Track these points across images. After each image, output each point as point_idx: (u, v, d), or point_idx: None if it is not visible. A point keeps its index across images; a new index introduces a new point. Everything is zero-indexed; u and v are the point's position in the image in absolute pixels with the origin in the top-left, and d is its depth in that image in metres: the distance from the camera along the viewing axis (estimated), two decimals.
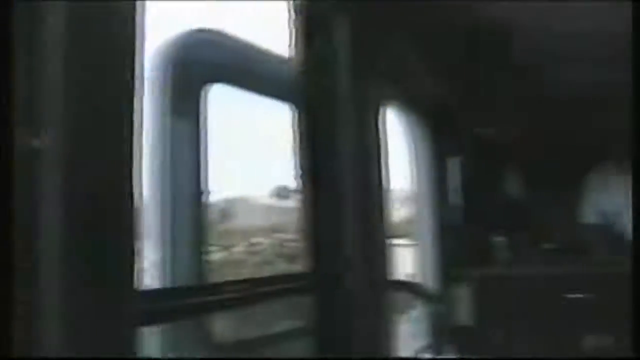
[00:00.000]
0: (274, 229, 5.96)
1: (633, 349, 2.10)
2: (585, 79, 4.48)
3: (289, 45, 2.11)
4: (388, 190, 2.37)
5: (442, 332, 2.96)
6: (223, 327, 2.24)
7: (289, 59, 2.15)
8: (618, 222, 3.51)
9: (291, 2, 2.06)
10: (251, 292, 1.91)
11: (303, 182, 2.05)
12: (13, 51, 1.62)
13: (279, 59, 2.32)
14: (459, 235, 3.52)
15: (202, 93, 2.14)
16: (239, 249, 5.83)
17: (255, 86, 2.37)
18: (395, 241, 3.26)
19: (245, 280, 2.29)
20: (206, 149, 2.10)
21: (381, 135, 2.40)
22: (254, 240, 6.04)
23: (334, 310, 2.02)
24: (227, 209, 5.74)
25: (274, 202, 6.00)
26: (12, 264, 1.62)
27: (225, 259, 5.37)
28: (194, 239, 2.15)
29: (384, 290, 2.26)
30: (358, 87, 2.24)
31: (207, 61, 2.21)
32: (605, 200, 3.53)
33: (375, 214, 2.30)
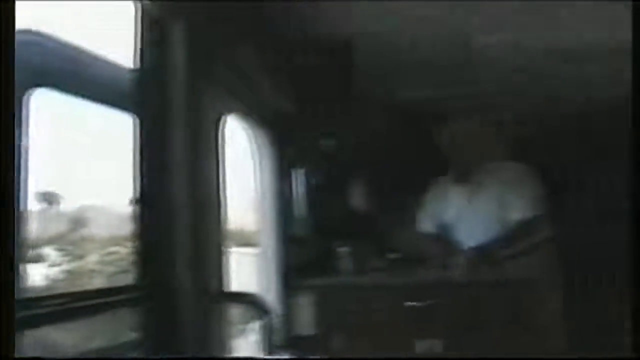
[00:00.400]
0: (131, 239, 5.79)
1: (633, 349, 2.13)
2: (430, 89, 4.71)
3: (128, 51, 2.06)
4: (226, 200, 2.36)
5: (282, 342, 2.98)
6: (48, 340, 2.14)
7: (127, 65, 2.10)
8: (456, 232, 3.68)
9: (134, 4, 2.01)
10: (81, 304, 1.84)
11: (138, 192, 2.00)
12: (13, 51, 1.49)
13: (115, 65, 2.25)
14: (303, 245, 3.58)
15: (25, 97, 2.02)
16: (93, 258, 5.63)
17: (87, 92, 2.28)
18: (240, 251, 3.27)
19: (73, 293, 2.19)
20: (27, 153, 1.98)
21: (220, 145, 2.40)
22: (110, 249, 5.84)
23: (165, 322, 1.98)
24: (83, 218, 5.50)
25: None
26: (12, 265, 1.46)
27: (79, 268, 5.18)
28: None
29: (219, 301, 2.24)
30: (196, 96, 2.23)
31: (29, 64, 2.10)
32: (445, 210, 3.70)
33: (212, 224, 2.29)
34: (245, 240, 3.41)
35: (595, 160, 7.70)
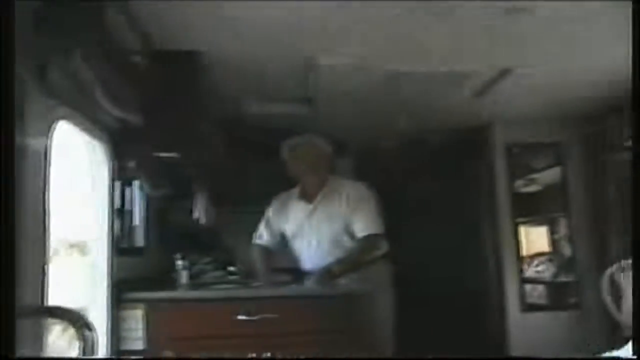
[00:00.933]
0: None
1: (633, 349, 2.19)
2: (275, 106, 4.83)
3: None
4: (49, 210, 2.30)
5: (107, 357, 2.94)
6: None
7: None
8: (296, 246, 3.79)
9: None
10: None
11: None
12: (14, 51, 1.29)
13: None
14: (139, 257, 3.54)
15: None
16: None
17: None
18: (73, 262, 3.17)
19: None
20: None
21: (48, 154, 2.34)
22: None
23: None
24: None
25: None
26: (12, 265, 1.50)
27: None
28: None
29: (37, 316, 2.18)
30: (33, 102, 2.17)
31: None
32: (286, 225, 3.80)
33: (33, 235, 2.22)
34: (80, 252, 3.31)
35: (434, 182, 8.21)
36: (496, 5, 3.14)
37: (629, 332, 4.65)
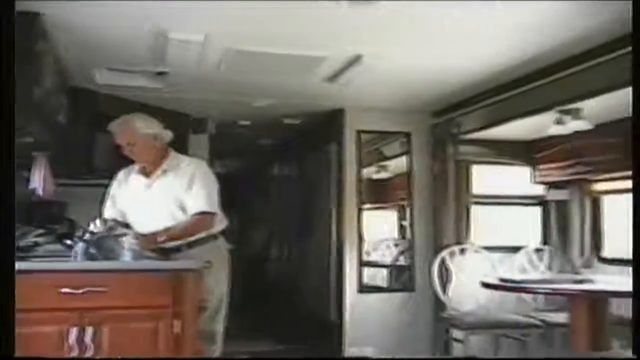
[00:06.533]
0: None
1: (633, 350, 2.15)
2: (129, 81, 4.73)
3: None
4: None
5: None
6: None
7: None
8: (132, 219, 3.73)
9: None
10: None
11: None
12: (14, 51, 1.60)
13: None
14: None
15: None
16: None
17: None
18: None
19: None
20: None
21: None
22: None
23: None
24: None
25: None
26: (12, 265, 1.62)
27: None
28: None
29: None
30: None
31: None
32: (125, 198, 3.76)
33: None
34: None
35: (288, 164, 8.36)
36: None
37: (452, 312, 5.01)
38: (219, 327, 3.67)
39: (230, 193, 5.09)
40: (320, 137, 6.60)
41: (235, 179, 9.03)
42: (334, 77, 4.80)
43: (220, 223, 3.73)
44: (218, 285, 3.63)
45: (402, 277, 6.11)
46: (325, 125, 6.37)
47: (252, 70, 4.66)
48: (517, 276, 4.67)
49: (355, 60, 4.37)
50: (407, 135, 6.06)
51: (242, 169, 9.75)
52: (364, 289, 5.85)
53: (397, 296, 5.95)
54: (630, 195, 5.18)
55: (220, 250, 3.74)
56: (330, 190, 6.29)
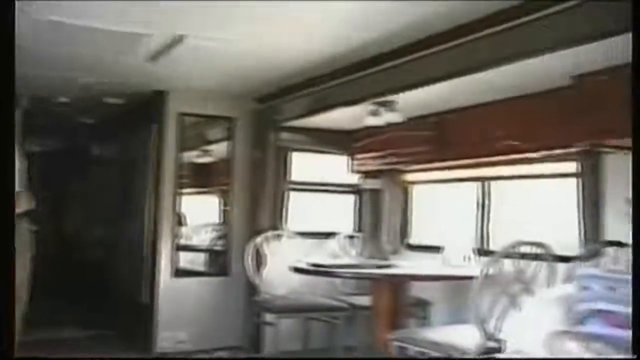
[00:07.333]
0: None
1: (633, 349, 2.12)
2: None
3: None
4: None
5: None
6: None
7: None
8: None
9: None
10: None
11: None
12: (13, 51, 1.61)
13: None
14: None
15: None
16: None
17: None
18: None
19: None
20: None
21: None
22: None
23: None
24: None
25: None
26: (12, 265, 1.82)
27: None
28: None
29: None
30: None
31: None
32: None
33: None
34: None
35: (108, 144, 8.06)
36: None
37: (265, 296, 5.11)
38: (17, 314, 3.47)
39: (45, 172, 4.83)
40: (141, 119, 6.41)
41: (52, 158, 8.55)
42: (156, 56, 4.67)
43: (25, 203, 3.53)
44: (18, 270, 3.43)
45: (218, 262, 6.12)
46: (147, 107, 6.19)
47: (67, 44, 4.41)
48: (328, 261, 4.84)
49: (179, 40, 4.28)
50: (231, 120, 6.07)
51: (60, 148, 9.28)
52: (179, 273, 5.80)
53: (213, 280, 5.97)
54: (436, 186, 5.75)
55: (22, 233, 3.53)
56: (149, 173, 6.14)
